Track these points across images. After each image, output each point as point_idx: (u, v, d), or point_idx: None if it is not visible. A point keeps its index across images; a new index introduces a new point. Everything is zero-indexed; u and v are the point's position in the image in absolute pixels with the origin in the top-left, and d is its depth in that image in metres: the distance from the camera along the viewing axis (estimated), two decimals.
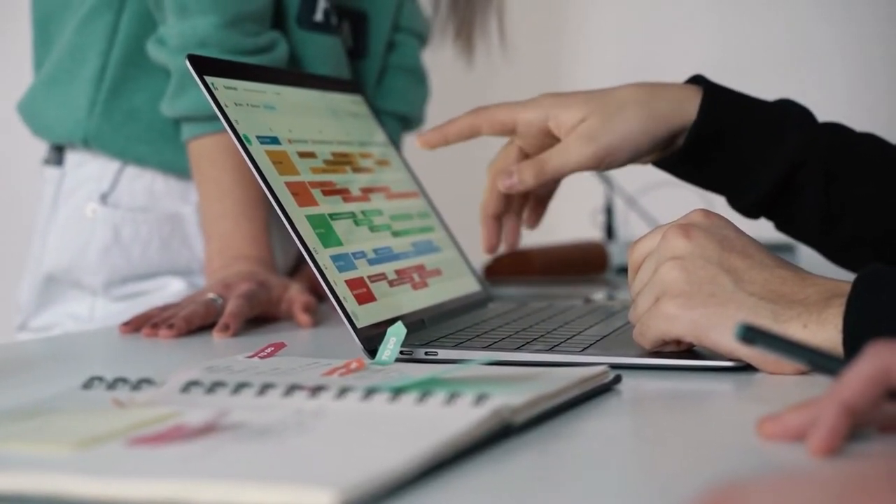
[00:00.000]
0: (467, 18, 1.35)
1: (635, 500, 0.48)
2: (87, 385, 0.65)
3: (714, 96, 0.94)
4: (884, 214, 0.94)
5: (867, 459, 0.51)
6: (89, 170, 1.24)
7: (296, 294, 1.06)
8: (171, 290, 1.22)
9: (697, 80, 0.96)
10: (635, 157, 0.95)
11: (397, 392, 0.59)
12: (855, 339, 0.66)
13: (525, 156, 0.99)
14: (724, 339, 0.70)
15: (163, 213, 1.24)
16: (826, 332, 0.68)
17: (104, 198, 1.24)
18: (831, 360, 0.57)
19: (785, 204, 0.96)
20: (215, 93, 0.85)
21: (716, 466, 0.53)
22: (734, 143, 0.95)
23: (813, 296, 0.69)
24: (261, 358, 0.77)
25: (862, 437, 0.53)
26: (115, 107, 1.22)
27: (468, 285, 1.06)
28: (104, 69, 1.22)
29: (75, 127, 1.22)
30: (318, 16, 1.24)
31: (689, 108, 0.94)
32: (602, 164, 0.95)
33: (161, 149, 1.22)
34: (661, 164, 0.98)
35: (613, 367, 0.71)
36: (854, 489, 0.37)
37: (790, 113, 0.96)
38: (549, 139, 0.97)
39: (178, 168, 1.23)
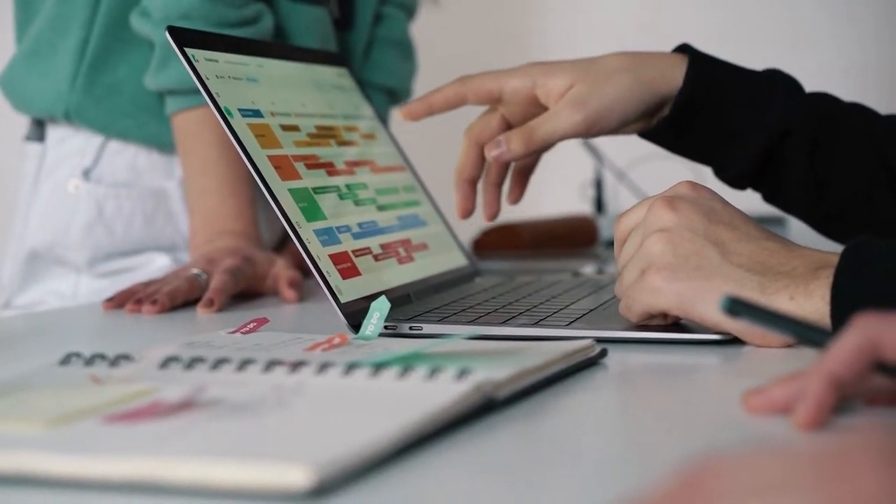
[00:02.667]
0: None
1: (620, 473, 0.48)
2: (65, 361, 0.64)
3: (700, 64, 0.94)
4: (870, 185, 0.94)
5: (853, 433, 0.50)
6: (71, 145, 1.23)
7: (281, 269, 1.05)
8: (155, 266, 1.21)
9: (684, 50, 0.96)
10: (623, 124, 0.94)
11: (378, 367, 0.58)
12: (842, 310, 0.66)
13: (508, 125, 0.98)
14: (710, 311, 0.70)
15: (146, 189, 1.23)
16: (813, 304, 0.67)
17: (87, 173, 1.22)
18: (818, 332, 0.56)
19: (771, 174, 0.96)
20: (196, 65, 0.84)
21: (701, 440, 0.52)
22: (720, 111, 0.94)
23: (800, 267, 0.69)
24: (243, 333, 0.76)
25: (848, 410, 0.53)
26: (98, 80, 1.20)
27: (455, 260, 1.05)
28: (86, 41, 1.20)
29: (57, 100, 1.21)
30: None
31: (675, 74, 0.93)
32: (591, 130, 0.94)
33: (144, 123, 1.21)
34: (648, 134, 0.97)
35: (599, 340, 0.70)
36: (839, 463, 0.36)
37: (777, 82, 0.95)
38: (535, 108, 0.96)
39: (161, 142, 1.21)
